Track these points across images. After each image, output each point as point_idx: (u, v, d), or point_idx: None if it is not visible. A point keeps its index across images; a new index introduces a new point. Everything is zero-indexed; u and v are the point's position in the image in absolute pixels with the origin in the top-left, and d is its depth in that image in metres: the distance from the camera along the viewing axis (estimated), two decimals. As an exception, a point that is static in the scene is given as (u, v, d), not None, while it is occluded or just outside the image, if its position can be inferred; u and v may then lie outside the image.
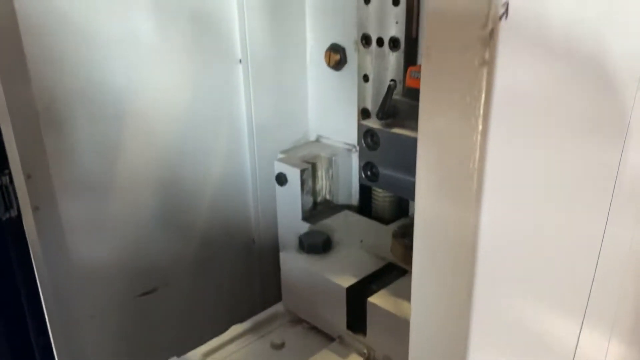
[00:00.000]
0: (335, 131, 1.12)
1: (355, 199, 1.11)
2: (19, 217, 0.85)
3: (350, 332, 0.88)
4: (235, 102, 1.05)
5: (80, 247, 0.92)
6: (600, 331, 0.75)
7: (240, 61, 1.03)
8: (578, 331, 0.69)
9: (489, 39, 0.32)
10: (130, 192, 0.97)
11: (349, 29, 1.01)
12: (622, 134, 0.62)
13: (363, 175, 0.89)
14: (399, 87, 0.91)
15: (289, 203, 1.06)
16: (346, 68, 1.05)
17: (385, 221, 1.04)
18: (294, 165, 1.04)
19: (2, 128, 0.82)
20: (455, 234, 0.44)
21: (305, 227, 1.02)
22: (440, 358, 0.51)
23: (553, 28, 0.40)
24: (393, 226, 0.99)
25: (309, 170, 1.04)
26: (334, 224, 1.02)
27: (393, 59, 0.95)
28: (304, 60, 1.09)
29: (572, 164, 0.53)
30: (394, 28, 0.92)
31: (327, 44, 1.05)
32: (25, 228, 0.86)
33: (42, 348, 0.91)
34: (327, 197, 1.09)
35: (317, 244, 0.93)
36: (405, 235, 0.91)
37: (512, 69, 0.35)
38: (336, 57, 1.04)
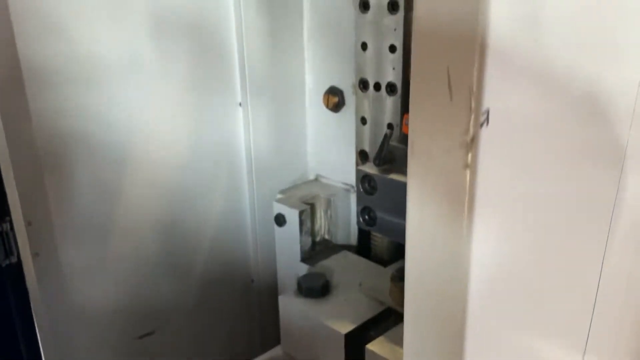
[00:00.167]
0: (334, 171, 1.13)
1: (354, 239, 1.12)
2: (19, 263, 0.86)
3: (349, 378, 0.87)
4: (235, 144, 1.07)
5: (79, 291, 0.92)
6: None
7: (240, 104, 1.05)
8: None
9: (471, 144, 0.33)
10: (131, 234, 0.97)
11: (347, 72, 1.02)
12: (617, 175, 0.62)
13: (361, 220, 0.89)
14: (396, 132, 0.92)
15: (288, 244, 1.06)
16: (344, 110, 1.06)
17: (384, 262, 1.04)
18: (292, 206, 1.04)
19: (3, 175, 0.83)
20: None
21: (304, 268, 1.03)
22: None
23: (534, 135, 0.41)
24: (392, 268, 0.99)
25: (308, 211, 1.05)
26: (333, 265, 1.03)
27: (390, 103, 0.96)
28: (303, 102, 1.11)
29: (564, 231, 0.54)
30: (391, 74, 0.94)
31: (326, 87, 1.07)
32: (25, 274, 0.86)
33: (40, 393, 0.91)
34: (326, 237, 1.10)
35: (315, 288, 0.93)
36: (403, 279, 0.91)
37: (494, 171, 0.37)
38: (334, 99, 1.06)
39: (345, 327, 0.85)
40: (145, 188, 0.97)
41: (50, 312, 0.88)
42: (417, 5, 0.39)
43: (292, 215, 1.04)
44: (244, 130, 1.06)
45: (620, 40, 0.57)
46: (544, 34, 0.41)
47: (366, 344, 0.82)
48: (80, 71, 0.85)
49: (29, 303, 0.87)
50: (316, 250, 1.08)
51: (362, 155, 1.04)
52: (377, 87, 0.97)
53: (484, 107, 0.33)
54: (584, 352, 0.70)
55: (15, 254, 0.85)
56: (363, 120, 1.02)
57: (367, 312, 0.89)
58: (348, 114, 1.05)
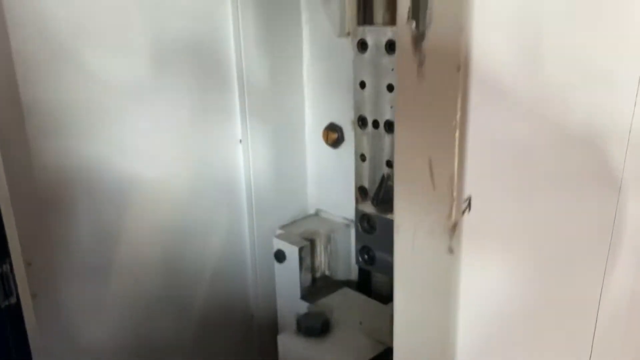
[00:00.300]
0: (334, 206, 1.13)
1: (354, 274, 1.11)
2: (18, 304, 0.86)
3: (349, 420, 0.86)
4: (235, 181, 1.07)
5: (79, 331, 0.92)
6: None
7: (240, 141, 1.05)
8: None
9: (454, 231, 0.34)
10: (131, 273, 0.97)
11: (346, 109, 1.03)
12: (613, 208, 0.62)
13: (360, 259, 0.89)
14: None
15: (288, 280, 1.06)
16: (344, 146, 1.07)
17: (384, 299, 1.03)
18: (292, 242, 1.04)
19: (3, 216, 0.83)
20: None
21: (304, 305, 1.02)
22: None
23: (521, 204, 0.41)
24: (392, 306, 0.99)
25: (308, 248, 1.04)
26: (333, 302, 1.02)
27: (388, 141, 0.96)
28: (303, 138, 1.12)
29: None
30: (389, 112, 0.94)
31: (325, 123, 1.08)
32: (24, 315, 0.86)
33: None
34: (326, 273, 1.09)
35: (315, 327, 0.92)
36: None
37: (479, 254, 0.37)
38: (334, 136, 1.06)
39: (344, 369, 0.85)
40: (145, 227, 0.97)
41: (49, 353, 0.88)
42: (399, 103, 0.41)
43: (291, 252, 1.04)
44: (244, 166, 1.06)
45: (614, 73, 0.57)
46: (523, 119, 0.42)
47: (366, 386, 0.82)
48: (81, 113, 0.86)
49: (28, 344, 0.86)
50: (316, 286, 1.07)
51: (362, 191, 1.04)
52: (376, 124, 0.97)
53: (465, 195, 0.33)
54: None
55: (15, 294, 0.85)
56: (362, 157, 1.02)
57: (367, 352, 0.88)
58: (347, 150, 1.06)
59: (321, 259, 1.08)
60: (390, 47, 0.90)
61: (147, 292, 1.00)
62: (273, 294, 1.11)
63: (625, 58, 0.58)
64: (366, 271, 1.08)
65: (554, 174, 0.49)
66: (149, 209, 0.97)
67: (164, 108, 0.95)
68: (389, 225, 0.84)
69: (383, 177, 0.84)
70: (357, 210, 0.88)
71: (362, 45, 0.93)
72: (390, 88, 0.93)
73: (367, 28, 0.91)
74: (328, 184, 1.12)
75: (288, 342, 0.93)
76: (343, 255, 1.10)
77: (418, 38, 0.38)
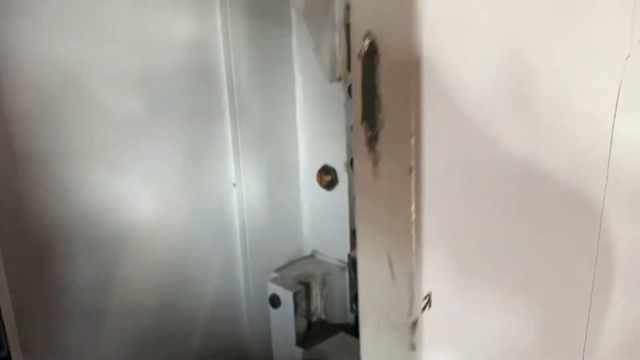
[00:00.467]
0: (330, 247, 1.12)
1: (351, 317, 1.10)
2: (8, 357, 0.85)
3: None
4: (230, 224, 1.07)
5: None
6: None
7: (234, 185, 1.05)
8: None
9: (414, 327, 0.33)
10: (125, 318, 0.96)
11: (340, 151, 1.03)
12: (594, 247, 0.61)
13: (354, 306, 0.88)
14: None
15: (283, 326, 1.04)
16: (338, 188, 1.07)
17: (381, 343, 1.02)
18: (287, 286, 1.03)
19: (-6, 267, 0.83)
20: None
21: (299, 352, 1.01)
22: None
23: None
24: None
25: (302, 292, 1.03)
26: (329, 349, 1.01)
27: (382, 185, 0.96)
28: (297, 180, 1.12)
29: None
30: (382, 156, 0.94)
31: (319, 165, 1.08)
32: (14, 368, 0.85)
33: None
34: (322, 316, 1.08)
35: (310, 376, 0.91)
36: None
37: (442, 355, 0.36)
38: (327, 178, 1.06)
39: (339, 421, 0.83)
40: (140, 272, 0.97)
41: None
42: (358, 197, 0.41)
43: (286, 297, 1.02)
44: (237, 210, 1.06)
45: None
46: (484, 211, 0.42)
47: None
48: (75, 157, 0.86)
49: (18, 398, 0.85)
50: (312, 331, 1.06)
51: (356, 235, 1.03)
52: (369, 168, 0.97)
53: (425, 292, 0.33)
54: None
55: (5, 348, 0.85)
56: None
57: (362, 402, 0.86)
58: (341, 192, 1.05)
59: (317, 302, 1.07)
60: (381, 92, 0.90)
61: (141, 337, 0.98)
62: (269, 339, 1.10)
63: (600, 85, 0.57)
64: (363, 314, 1.07)
65: (524, 256, 0.48)
66: (144, 253, 0.96)
67: (158, 154, 0.95)
68: (382, 272, 0.84)
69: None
70: (349, 257, 0.87)
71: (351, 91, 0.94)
72: (381, 133, 0.93)
73: (358, 74, 0.91)
74: (323, 226, 1.11)
75: (283, 391, 0.91)
76: (339, 298, 1.09)
77: (372, 139, 0.39)
